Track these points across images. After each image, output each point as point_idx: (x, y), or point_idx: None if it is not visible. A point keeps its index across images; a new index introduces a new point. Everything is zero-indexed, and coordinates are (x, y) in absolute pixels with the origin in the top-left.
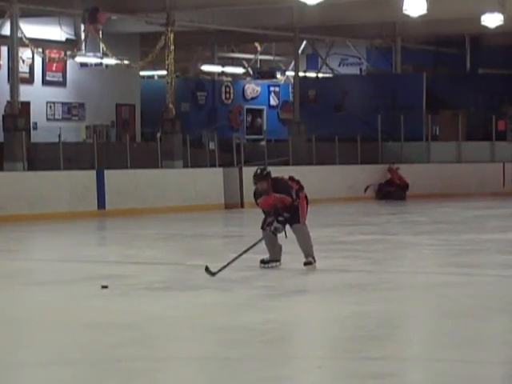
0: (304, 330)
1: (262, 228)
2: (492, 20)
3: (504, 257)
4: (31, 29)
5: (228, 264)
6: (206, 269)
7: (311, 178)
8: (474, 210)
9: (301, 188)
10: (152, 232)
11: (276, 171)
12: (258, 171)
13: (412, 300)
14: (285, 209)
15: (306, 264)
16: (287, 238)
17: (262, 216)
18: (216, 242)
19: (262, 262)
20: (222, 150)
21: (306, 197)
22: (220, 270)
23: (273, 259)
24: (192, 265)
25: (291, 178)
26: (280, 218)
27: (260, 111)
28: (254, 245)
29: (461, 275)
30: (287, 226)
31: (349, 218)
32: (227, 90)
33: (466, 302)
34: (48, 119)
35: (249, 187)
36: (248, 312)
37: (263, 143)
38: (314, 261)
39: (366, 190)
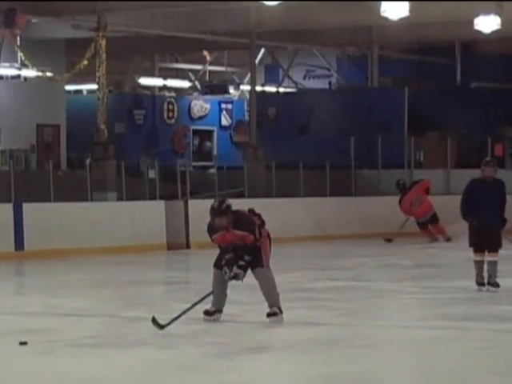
0: None
1: (216, 266)
2: (487, 24)
3: (500, 307)
4: None
5: (179, 316)
6: (153, 320)
7: (271, 212)
8: (466, 251)
9: (262, 224)
10: (80, 278)
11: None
12: (217, 204)
13: (391, 359)
14: (245, 250)
15: (269, 315)
16: (243, 284)
17: (212, 259)
18: (157, 290)
19: (207, 313)
20: (163, 180)
21: (268, 235)
22: (170, 323)
23: (218, 309)
24: (128, 317)
25: (251, 211)
26: (241, 263)
27: (209, 133)
28: (209, 294)
29: (449, 329)
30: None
31: (316, 260)
32: (170, 107)
33: (455, 361)
34: None
35: (196, 224)
36: (196, 374)
37: (213, 171)
38: (281, 312)
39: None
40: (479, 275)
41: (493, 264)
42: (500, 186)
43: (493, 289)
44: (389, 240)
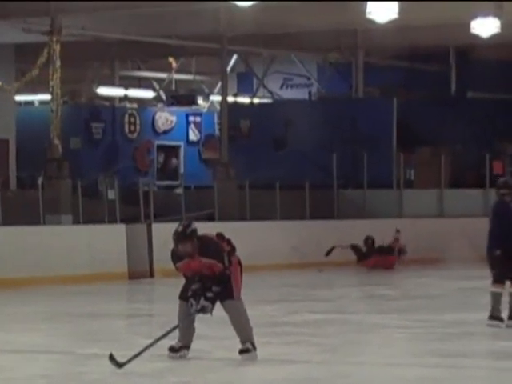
0: None
1: (182, 298)
2: (485, 27)
3: (498, 343)
4: None
5: (140, 353)
6: (111, 357)
7: (244, 237)
8: (460, 281)
9: (232, 250)
10: (32, 310)
11: (198, 228)
12: (181, 228)
13: None
14: (213, 280)
15: (242, 352)
16: (212, 317)
17: (179, 289)
18: (117, 324)
19: (173, 349)
20: (124, 201)
21: (239, 262)
22: (130, 360)
23: (185, 345)
24: (85, 354)
25: (220, 236)
26: (209, 294)
27: (175, 149)
28: (175, 328)
29: (442, 367)
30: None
31: (293, 291)
32: (132, 120)
33: None
34: None
35: (160, 250)
36: None
37: (180, 191)
38: (254, 348)
39: (328, 253)
40: (496, 309)
41: None
42: None
43: None
44: (321, 270)
